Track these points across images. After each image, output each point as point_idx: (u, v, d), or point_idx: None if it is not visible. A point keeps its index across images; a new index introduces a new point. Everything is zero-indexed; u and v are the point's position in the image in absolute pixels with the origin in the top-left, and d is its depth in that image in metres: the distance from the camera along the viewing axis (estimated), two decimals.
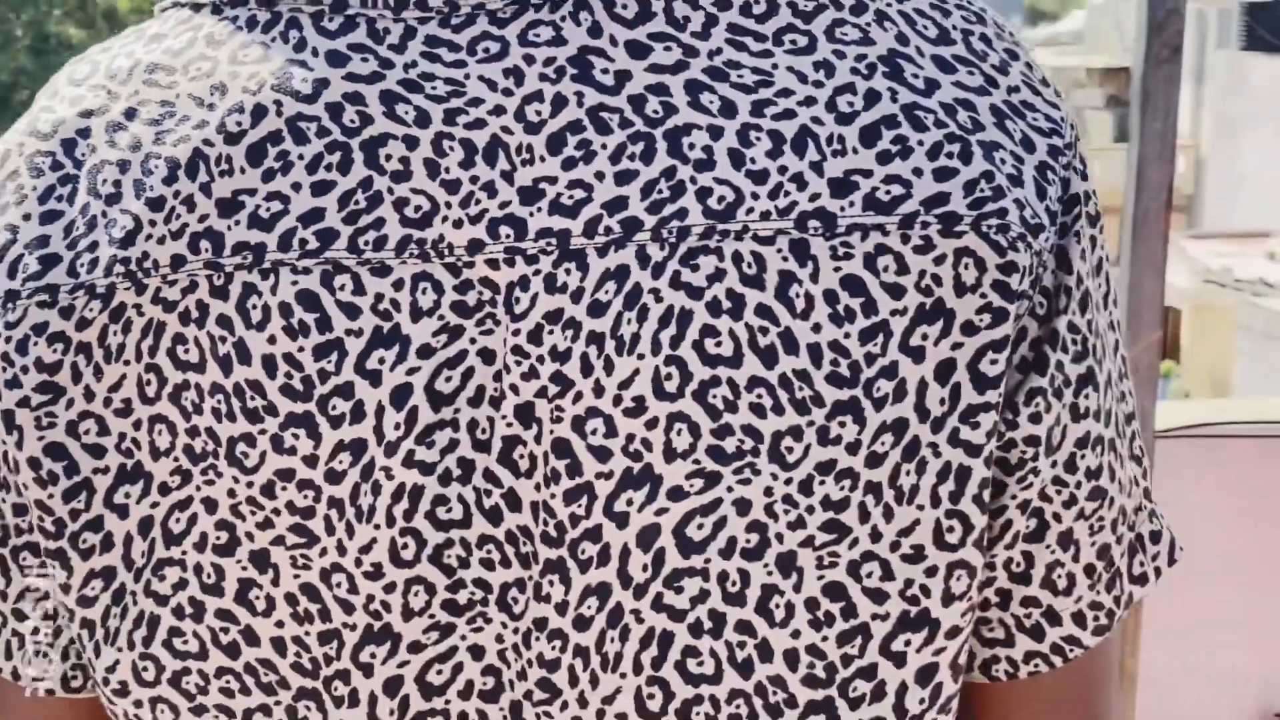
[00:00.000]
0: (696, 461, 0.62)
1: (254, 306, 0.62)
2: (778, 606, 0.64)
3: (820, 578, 0.63)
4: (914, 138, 0.62)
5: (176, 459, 0.64)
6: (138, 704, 0.68)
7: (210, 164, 0.62)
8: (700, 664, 0.64)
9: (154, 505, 0.65)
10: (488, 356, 0.62)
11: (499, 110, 0.62)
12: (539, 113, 0.62)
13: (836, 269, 0.61)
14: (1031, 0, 67.42)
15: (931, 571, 0.64)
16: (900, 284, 0.61)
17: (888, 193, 0.61)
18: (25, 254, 0.65)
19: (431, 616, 0.64)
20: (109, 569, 0.66)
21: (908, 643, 0.65)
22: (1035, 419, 0.65)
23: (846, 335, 0.62)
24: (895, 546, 0.64)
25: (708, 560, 0.63)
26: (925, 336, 0.62)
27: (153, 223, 0.63)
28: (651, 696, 0.65)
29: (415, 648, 0.64)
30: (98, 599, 0.66)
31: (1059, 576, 0.69)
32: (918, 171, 0.62)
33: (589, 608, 0.63)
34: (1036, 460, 0.65)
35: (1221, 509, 2.80)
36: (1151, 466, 2.36)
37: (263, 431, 0.62)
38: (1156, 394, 2.49)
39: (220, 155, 0.62)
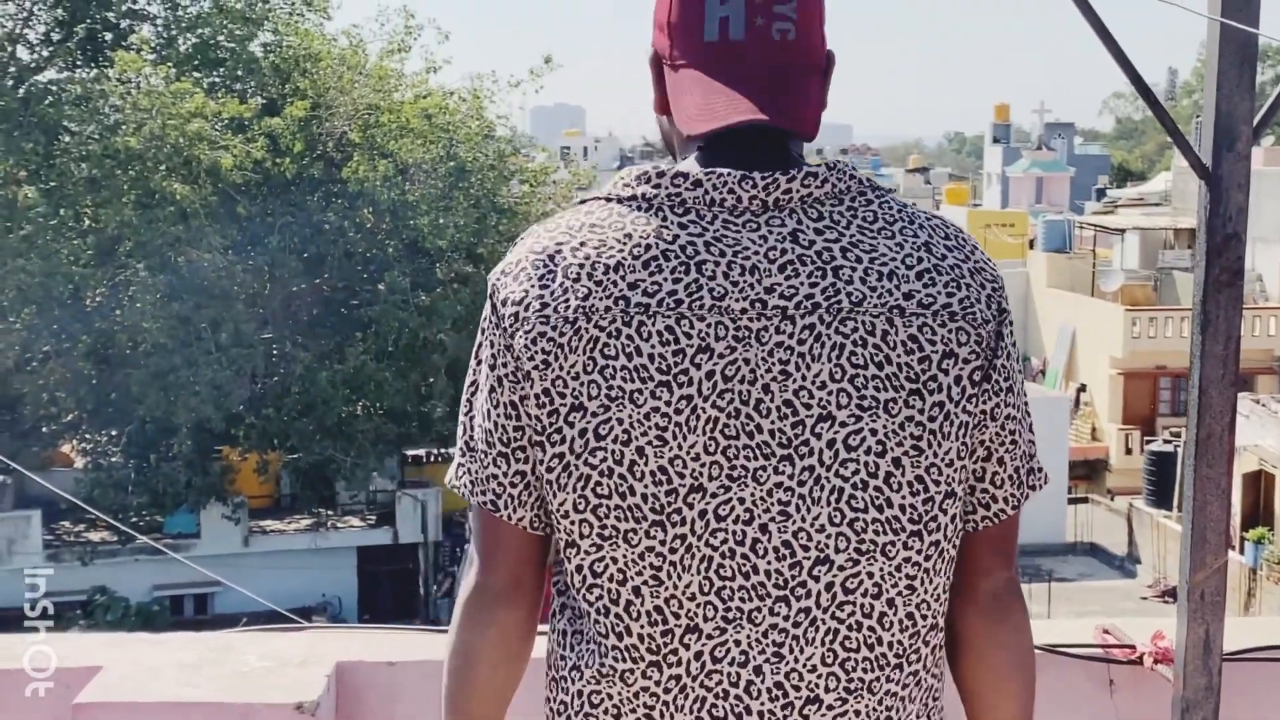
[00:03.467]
0: (852, 410, 1.42)
1: (645, 330, 1.42)
2: (895, 482, 1.44)
3: (914, 470, 1.44)
4: (939, 279, 1.46)
5: (601, 401, 1.42)
6: (573, 522, 1.45)
7: (626, 268, 1.43)
8: (858, 503, 1.43)
9: (586, 423, 1.42)
10: (747, 361, 1.42)
11: (756, 253, 1.44)
12: (774, 256, 1.44)
13: (907, 330, 1.44)
14: (1120, 159, 67.38)
15: (957, 470, 1.47)
16: (934, 339, 1.44)
17: (926, 302, 1.45)
18: (534, 301, 1.45)
19: (722, 480, 1.41)
20: (561, 453, 1.44)
21: (949, 504, 1.47)
22: (987, 400, 1.48)
23: (913, 360, 1.43)
24: (942, 458, 1.45)
25: (860, 455, 1.42)
26: (948, 363, 1.45)
27: (597, 292, 1.43)
28: (834, 516, 1.42)
29: (714, 495, 1.42)
30: (555, 468, 1.44)
31: (997, 479, 1.53)
32: (939, 293, 1.46)
33: (804, 475, 1.42)
34: (989, 421, 1.49)
35: None
36: (1219, 690, 2.27)
37: (645, 387, 1.41)
38: (1224, 616, 2.43)
39: (631, 264, 1.44)
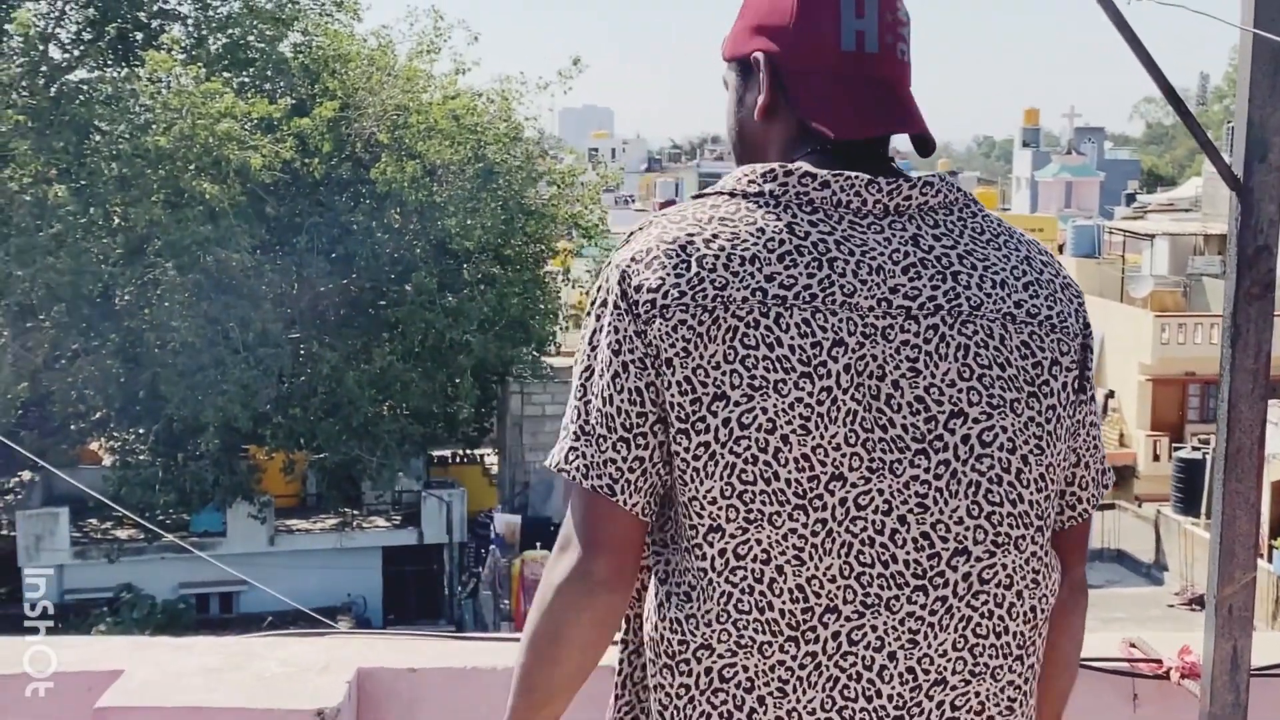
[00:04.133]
0: (983, 408, 1.50)
1: (783, 322, 1.46)
2: (1025, 478, 1.52)
3: (1038, 468, 1.52)
4: (1041, 291, 1.57)
5: (744, 390, 1.45)
6: (720, 508, 1.47)
7: (761, 261, 1.48)
8: (995, 497, 1.50)
9: (730, 411, 1.45)
10: (875, 358, 1.47)
11: (881, 254, 1.51)
12: (897, 258, 1.51)
13: (1019, 336, 1.53)
14: (1150, 164, 66.96)
15: (1063, 471, 1.58)
16: (1042, 347, 1.54)
17: (1033, 312, 1.55)
18: (672, 289, 1.48)
19: (862, 471, 1.46)
20: (706, 442, 1.47)
21: (1057, 502, 1.60)
22: (1079, 408, 1.60)
23: (1027, 364, 1.53)
24: (1056, 458, 1.55)
25: (994, 451, 1.50)
26: (1055, 370, 1.54)
27: (734, 282, 1.47)
28: (972, 508, 1.49)
29: (854, 485, 1.46)
30: (701, 456, 1.47)
31: (1083, 481, 1.65)
32: (1042, 305, 1.56)
33: (940, 469, 1.48)
34: (1080, 428, 1.61)
35: None
36: (1247, 706, 2.24)
37: (789, 378, 1.45)
38: (1252, 632, 2.40)
39: (766, 257, 1.48)
